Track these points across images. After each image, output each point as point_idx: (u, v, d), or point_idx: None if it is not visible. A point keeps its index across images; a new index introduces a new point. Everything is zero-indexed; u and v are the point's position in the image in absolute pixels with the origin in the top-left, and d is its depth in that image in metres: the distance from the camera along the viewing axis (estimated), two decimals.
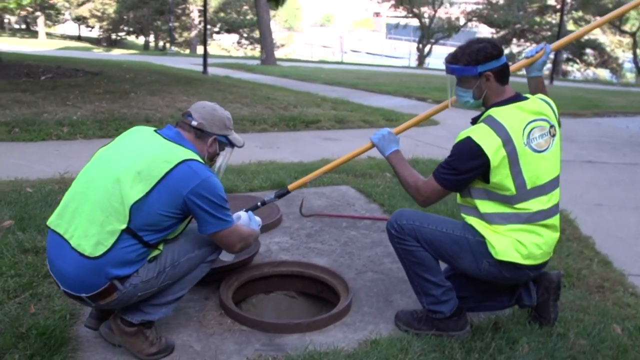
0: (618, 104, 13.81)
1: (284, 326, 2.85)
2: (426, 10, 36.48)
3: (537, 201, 2.49)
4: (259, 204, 3.32)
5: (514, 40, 34.08)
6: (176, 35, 39.95)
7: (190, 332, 2.82)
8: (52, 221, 2.42)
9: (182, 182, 2.33)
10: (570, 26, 29.42)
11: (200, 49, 35.95)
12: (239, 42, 42.33)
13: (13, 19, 44.47)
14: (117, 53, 29.68)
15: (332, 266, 3.53)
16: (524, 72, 2.99)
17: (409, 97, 13.19)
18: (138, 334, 2.56)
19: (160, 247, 2.45)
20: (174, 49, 37.27)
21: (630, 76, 32.82)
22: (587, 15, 30.97)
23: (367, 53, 46.16)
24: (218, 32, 41.61)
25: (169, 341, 2.67)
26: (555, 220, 2.57)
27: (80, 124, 7.42)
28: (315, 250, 3.79)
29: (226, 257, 2.95)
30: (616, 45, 34.39)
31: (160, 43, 41.99)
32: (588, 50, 33.50)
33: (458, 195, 2.64)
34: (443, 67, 2.73)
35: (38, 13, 38.01)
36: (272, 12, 27.42)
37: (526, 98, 2.60)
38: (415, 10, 36.18)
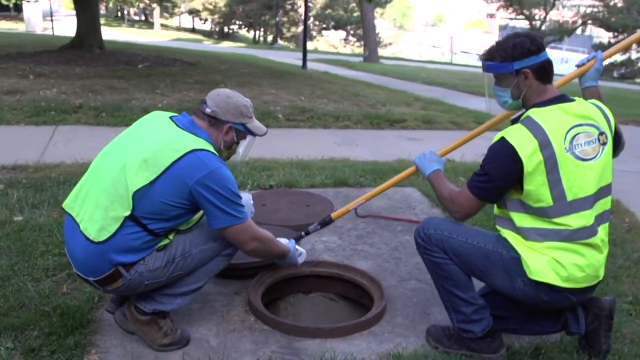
0: None
1: (305, 330, 2.73)
2: (537, 12, 34.87)
3: (579, 216, 2.22)
4: (302, 234, 3.19)
5: (634, 46, 31.77)
6: (284, 30, 40.79)
7: (211, 327, 2.77)
8: (67, 203, 2.45)
9: (188, 172, 2.26)
10: None
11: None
12: (345, 39, 42.57)
13: (132, 10, 47.26)
14: (224, 45, 30.76)
15: (375, 271, 3.39)
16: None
17: None
18: (151, 323, 2.54)
19: (171, 236, 2.41)
20: (281, 43, 38.04)
21: None
22: None
23: (478, 55, 44.87)
24: (325, 29, 42.06)
25: (185, 334, 2.63)
26: (598, 239, 2.28)
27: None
28: (361, 252, 3.66)
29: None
30: None
31: (269, 37, 43.03)
32: None
33: (495, 204, 2.41)
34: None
35: (155, 5, 40.06)
36: (380, 10, 27.39)
37: (572, 100, 2.33)
38: (525, 11, 34.67)
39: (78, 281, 3.07)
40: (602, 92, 2.64)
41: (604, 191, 2.29)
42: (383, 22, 53.87)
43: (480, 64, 2.45)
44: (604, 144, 2.26)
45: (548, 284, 2.23)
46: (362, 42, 29.39)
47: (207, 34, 43.56)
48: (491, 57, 2.36)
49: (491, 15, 57.59)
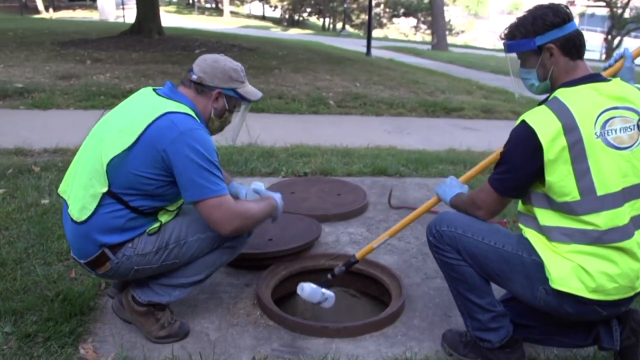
0: None
1: (311, 328, 2.58)
2: None
3: (611, 215, 1.92)
4: (329, 276, 2.99)
5: None
6: (353, 17, 40.49)
7: (213, 319, 2.66)
8: (61, 188, 2.39)
9: (159, 135, 2.13)
10: None
11: (376, 32, 36.14)
12: (416, 27, 41.89)
13: None
14: (291, 33, 30.85)
15: (400, 267, 3.21)
16: None
17: None
18: (148, 314, 2.45)
19: (164, 218, 2.30)
20: (349, 30, 37.77)
21: None
22: None
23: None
24: (396, 16, 41.48)
25: (183, 326, 2.53)
26: (634, 243, 1.96)
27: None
28: (388, 246, 3.46)
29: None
30: None
31: (339, 25, 42.84)
32: None
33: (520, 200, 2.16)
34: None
35: None
36: None
37: (608, 80, 2.04)
38: None
39: None
40: None
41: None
42: (456, 10, 52.66)
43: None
44: None
45: (573, 294, 1.96)
46: (432, 30, 28.83)
47: (277, 22, 43.84)
48: (511, 35, 2.11)
49: (571, 3, 55.26)
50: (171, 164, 2.15)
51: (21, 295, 2.73)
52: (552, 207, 1.99)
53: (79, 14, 33.15)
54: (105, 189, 2.17)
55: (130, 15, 28.02)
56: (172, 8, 45.48)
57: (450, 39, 26.72)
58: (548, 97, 2.08)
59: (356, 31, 38.36)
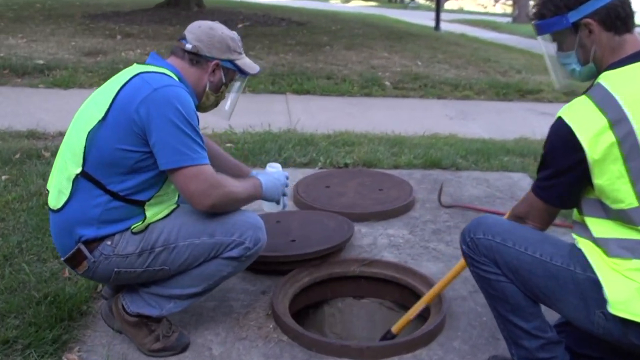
0: None
1: (329, 346, 2.47)
2: None
3: None
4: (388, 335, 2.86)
5: None
6: None
7: (219, 331, 2.59)
8: (49, 182, 2.40)
9: (130, 96, 2.11)
10: None
11: (449, 4, 35.56)
12: None
13: None
14: (352, 5, 30.78)
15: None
16: None
17: None
18: (140, 324, 2.39)
19: (151, 213, 2.25)
20: (417, 1, 37.31)
21: None
22: None
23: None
24: None
25: (182, 338, 2.47)
26: None
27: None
28: (433, 252, 3.35)
29: (270, 207, 2.64)
30: None
31: None
32: None
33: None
34: None
35: None
36: None
37: None
38: None
39: None
40: None
41: None
42: None
43: None
44: None
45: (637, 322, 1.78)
46: (513, 1, 28.14)
47: None
48: (540, 15, 1.97)
49: None
50: (145, 126, 2.09)
51: (6, 295, 2.72)
52: (608, 216, 1.83)
53: None
54: (78, 170, 2.14)
55: None
56: None
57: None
58: (592, 83, 1.90)
59: (427, 2, 37.84)
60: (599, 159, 1.76)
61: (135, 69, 2.22)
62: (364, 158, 4.76)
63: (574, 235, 1.97)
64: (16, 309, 2.61)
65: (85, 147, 2.12)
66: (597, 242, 1.87)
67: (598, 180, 1.79)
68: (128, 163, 2.14)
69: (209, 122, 3.01)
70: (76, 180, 2.14)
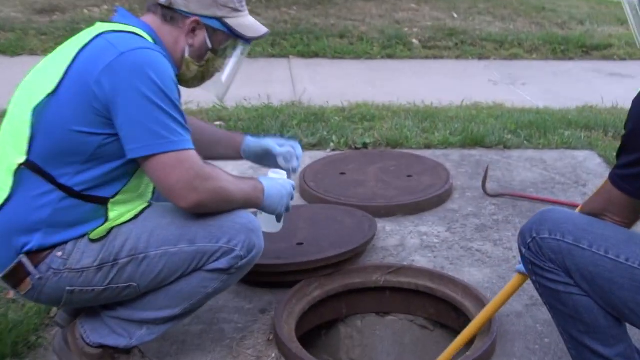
0: None
1: None
2: None
3: None
4: None
5: None
6: None
7: None
8: None
9: (90, 62, 2.04)
10: None
11: None
12: None
13: None
14: None
15: (494, 286, 3.09)
16: None
17: None
18: (104, 357, 2.38)
19: (115, 214, 2.20)
20: None
21: None
22: None
23: None
24: None
25: None
26: None
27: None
28: (477, 254, 3.36)
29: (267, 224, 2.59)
30: None
31: None
32: None
33: None
34: None
35: None
36: None
37: None
38: None
39: None
40: None
41: None
42: None
43: None
44: None
45: None
46: None
47: None
48: None
49: None
50: (108, 101, 2.03)
51: None
52: None
53: None
54: (21, 159, 2.08)
55: None
56: None
57: None
58: None
59: None
60: None
61: (98, 28, 2.16)
62: (387, 136, 4.77)
63: None
64: None
65: (30, 130, 2.08)
66: None
67: None
68: (86, 149, 2.09)
69: (193, 94, 2.96)
70: (18, 172, 2.09)
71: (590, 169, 4.38)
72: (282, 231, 3.13)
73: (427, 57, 7.75)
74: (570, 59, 7.99)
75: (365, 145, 4.67)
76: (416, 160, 4.26)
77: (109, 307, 2.32)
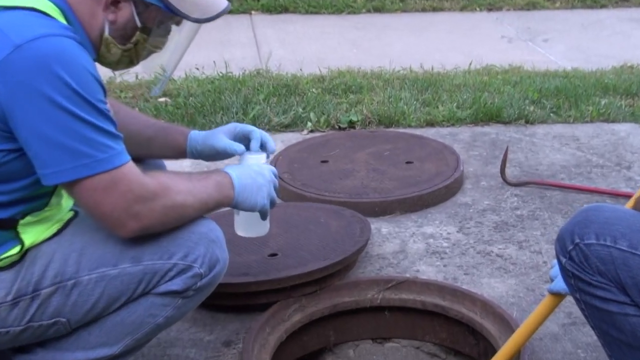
0: None
1: None
2: None
3: None
4: None
5: None
6: None
7: None
8: None
9: None
10: None
11: None
12: None
13: None
14: None
15: (520, 301, 3.12)
16: None
17: None
18: None
19: (30, 236, 2.15)
20: None
21: None
22: None
23: None
24: None
25: None
26: None
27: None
28: (497, 259, 3.38)
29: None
30: None
31: None
32: None
33: None
34: None
35: None
36: None
37: None
38: None
39: None
40: None
41: None
42: None
43: None
44: None
45: None
46: None
47: None
48: None
49: None
50: (5, 111, 1.96)
51: None
52: None
53: None
54: None
55: None
56: None
57: None
58: None
59: None
60: None
61: None
62: (379, 112, 4.80)
63: None
64: None
65: None
66: None
67: None
68: None
69: None
70: None
71: (636, 147, 4.40)
72: (251, 240, 3.11)
73: (424, 10, 7.83)
74: (603, 6, 8.08)
75: (351, 125, 4.70)
76: (416, 142, 4.29)
77: (30, 350, 2.29)
